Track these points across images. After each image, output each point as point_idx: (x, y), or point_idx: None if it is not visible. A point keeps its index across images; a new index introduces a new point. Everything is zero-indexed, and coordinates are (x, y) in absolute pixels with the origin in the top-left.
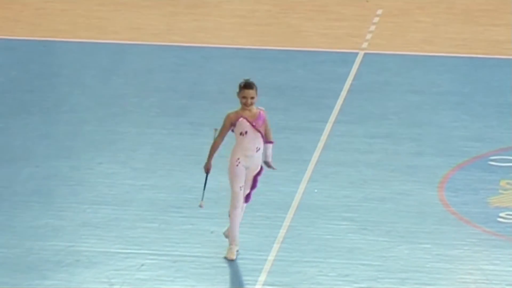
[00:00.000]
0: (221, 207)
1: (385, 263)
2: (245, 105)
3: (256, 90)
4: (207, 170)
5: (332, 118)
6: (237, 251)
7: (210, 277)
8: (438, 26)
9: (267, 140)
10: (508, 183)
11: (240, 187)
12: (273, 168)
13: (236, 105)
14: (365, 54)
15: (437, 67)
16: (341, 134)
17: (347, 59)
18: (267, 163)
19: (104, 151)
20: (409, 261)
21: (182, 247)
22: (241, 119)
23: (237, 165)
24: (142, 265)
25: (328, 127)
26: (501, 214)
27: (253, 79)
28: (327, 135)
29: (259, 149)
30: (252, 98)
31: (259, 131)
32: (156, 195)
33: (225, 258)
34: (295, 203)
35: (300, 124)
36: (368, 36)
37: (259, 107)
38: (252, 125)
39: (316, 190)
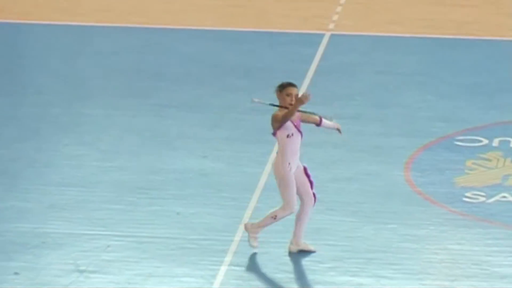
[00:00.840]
0: (187, 188)
1: (351, 243)
2: (290, 104)
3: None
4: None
5: None
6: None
7: (176, 258)
8: (405, 7)
9: (317, 122)
10: (474, 163)
11: (295, 194)
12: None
13: (202, 86)
14: (331, 35)
15: (403, 48)
16: None
17: (313, 40)
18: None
19: (70, 133)
20: (375, 241)
21: (148, 229)
22: (288, 122)
23: (290, 170)
24: (108, 246)
25: None
26: (467, 194)
27: (219, 61)
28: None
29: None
30: (296, 95)
31: (301, 132)
32: (123, 176)
33: (289, 251)
34: (261, 184)
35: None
36: (335, 17)
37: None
38: (296, 127)
39: None
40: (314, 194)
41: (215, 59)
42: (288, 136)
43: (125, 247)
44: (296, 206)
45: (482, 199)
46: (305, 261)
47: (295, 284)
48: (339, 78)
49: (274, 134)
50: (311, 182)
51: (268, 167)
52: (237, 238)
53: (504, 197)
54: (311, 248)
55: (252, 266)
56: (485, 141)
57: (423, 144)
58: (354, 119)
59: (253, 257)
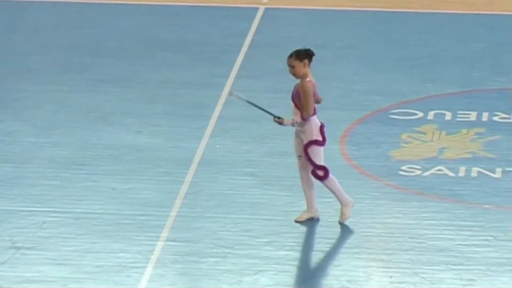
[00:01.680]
0: (123, 164)
1: (287, 217)
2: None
3: (296, 57)
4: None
5: (233, 73)
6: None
7: (113, 233)
8: None
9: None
10: (409, 136)
11: (299, 157)
12: (277, 119)
13: (138, 62)
14: (266, 9)
15: (339, 21)
16: (243, 89)
17: (249, 14)
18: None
19: (6, 109)
20: None
21: (84, 205)
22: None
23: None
24: (44, 222)
25: (230, 82)
26: (403, 167)
27: (154, 35)
28: (228, 90)
29: (296, 121)
30: (293, 67)
31: (295, 103)
32: (58, 152)
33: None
34: (196, 159)
35: (201, 79)
36: None
37: (306, 80)
38: (291, 98)
39: (217, 146)
40: (314, 172)
41: (151, 34)
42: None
43: (61, 223)
44: (299, 172)
45: (418, 172)
46: (242, 236)
47: (232, 258)
48: (274, 52)
49: None
50: (308, 160)
51: (205, 141)
52: (173, 213)
53: (440, 170)
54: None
55: (189, 241)
56: (420, 114)
57: (358, 117)
58: (289, 92)
59: (189, 232)
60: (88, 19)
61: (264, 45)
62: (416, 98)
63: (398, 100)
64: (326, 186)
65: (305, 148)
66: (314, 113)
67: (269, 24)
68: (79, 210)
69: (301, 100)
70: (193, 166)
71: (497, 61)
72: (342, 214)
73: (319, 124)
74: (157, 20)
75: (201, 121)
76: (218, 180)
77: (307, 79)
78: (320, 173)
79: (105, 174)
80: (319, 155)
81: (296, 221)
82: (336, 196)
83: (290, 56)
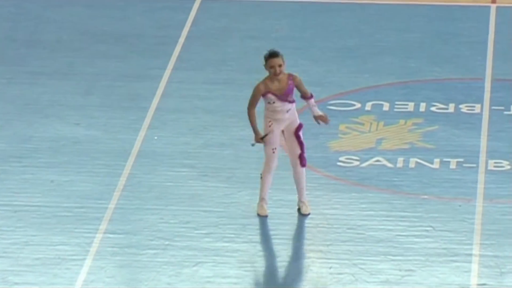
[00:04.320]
0: (61, 156)
1: (226, 209)
2: (275, 75)
3: (283, 57)
4: (260, 141)
5: (170, 65)
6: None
7: (51, 226)
8: None
9: (306, 97)
10: (347, 127)
11: (273, 150)
12: (327, 120)
13: (74, 54)
14: (202, 0)
15: (275, 12)
16: (180, 81)
17: (185, 5)
18: (318, 117)
19: None
20: (250, 207)
21: (23, 197)
22: (269, 94)
23: (269, 127)
24: None
25: (167, 74)
26: (341, 158)
27: (90, 27)
28: (166, 82)
29: (290, 109)
30: (280, 66)
31: (287, 100)
32: None
33: (258, 214)
34: (135, 151)
35: (138, 71)
36: None
37: (292, 73)
38: (279, 98)
39: (155, 137)
40: (301, 156)
41: (87, 26)
42: (269, 103)
43: (0, 216)
44: (273, 163)
45: (356, 163)
46: (181, 228)
47: (171, 250)
48: (211, 43)
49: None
50: (301, 144)
51: (142, 133)
52: (112, 205)
53: (378, 161)
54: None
55: (128, 233)
56: (358, 105)
57: (297, 108)
58: (227, 84)
59: (128, 224)
60: (24, 12)
61: (201, 37)
62: (353, 89)
63: (336, 91)
64: (300, 175)
65: (298, 132)
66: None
67: (206, 15)
68: (18, 203)
69: (303, 87)
70: (131, 158)
71: (434, 51)
72: (306, 206)
73: None
74: (93, 12)
75: (138, 113)
76: (156, 172)
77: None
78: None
79: (43, 167)
80: None
81: (305, 214)
82: (301, 188)
83: (277, 55)
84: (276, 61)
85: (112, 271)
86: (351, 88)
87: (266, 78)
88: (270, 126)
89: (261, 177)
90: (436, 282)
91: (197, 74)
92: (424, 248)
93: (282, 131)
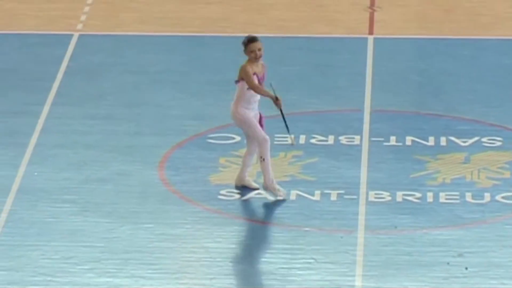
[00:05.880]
0: None
1: (108, 244)
2: (255, 58)
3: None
4: (278, 101)
5: (49, 100)
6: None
7: None
8: (151, 6)
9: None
10: (227, 161)
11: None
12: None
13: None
14: (80, 35)
15: (152, 46)
16: (59, 116)
17: (62, 40)
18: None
19: None
20: (132, 242)
21: None
22: (254, 76)
23: (249, 112)
24: None
25: (46, 109)
26: (222, 192)
27: None
28: (44, 117)
29: (259, 98)
30: (260, 49)
31: (260, 83)
32: None
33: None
34: (15, 187)
35: (16, 107)
36: (83, 17)
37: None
38: (259, 82)
39: (36, 173)
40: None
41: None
42: (248, 88)
43: None
44: (267, 141)
45: (237, 196)
46: (63, 263)
47: (54, 286)
48: (89, 78)
49: (237, 82)
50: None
51: (22, 169)
52: None
53: (259, 194)
54: (255, 185)
55: (10, 269)
56: (238, 138)
57: (176, 142)
58: (106, 119)
59: (10, 260)
60: None
61: (79, 72)
62: (232, 122)
63: (215, 124)
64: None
65: (261, 122)
66: None
67: (84, 50)
68: None
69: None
70: (12, 194)
71: (312, 83)
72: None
73: None
74: None
75: (18, 149)
76: (37, 208)
77: None
78: None
79: None
80: None
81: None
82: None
83: (256, 39)
84: (256, 45)
85: None
86: (230, 121)
87: (246, 62)
88: (248, 111)
89: (263, 160)
90: None
91: (76, 109)
92: (307, 280)
93: None
